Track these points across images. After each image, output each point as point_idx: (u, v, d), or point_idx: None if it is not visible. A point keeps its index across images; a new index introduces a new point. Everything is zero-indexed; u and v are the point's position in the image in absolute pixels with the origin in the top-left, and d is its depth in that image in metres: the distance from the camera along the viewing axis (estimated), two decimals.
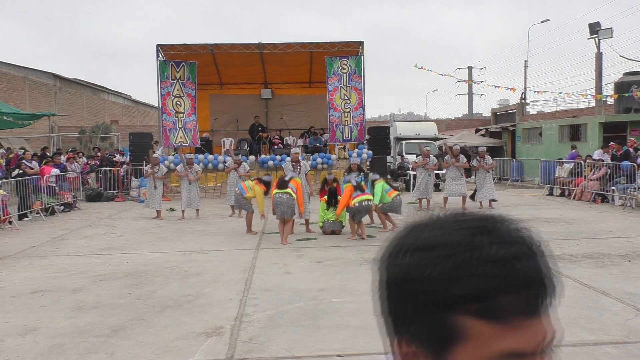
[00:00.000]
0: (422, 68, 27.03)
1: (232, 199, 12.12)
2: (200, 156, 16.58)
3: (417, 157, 17.66)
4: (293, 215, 8.93)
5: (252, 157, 17.10)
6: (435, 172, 15.86)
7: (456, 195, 12.80)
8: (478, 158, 13.00)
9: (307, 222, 9.89)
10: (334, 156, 17.15)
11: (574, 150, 20.06)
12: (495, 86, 40.96)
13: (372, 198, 9.11)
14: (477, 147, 14.66)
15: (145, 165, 12.56)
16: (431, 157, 12.84)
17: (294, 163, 10.32)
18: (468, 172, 17.12)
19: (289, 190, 8.77)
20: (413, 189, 12.95)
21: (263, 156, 17.37)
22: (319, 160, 16.81)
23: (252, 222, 9.81)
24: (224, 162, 16.43)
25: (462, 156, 12.95)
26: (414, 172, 18.10)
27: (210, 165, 16.70)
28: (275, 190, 8.90)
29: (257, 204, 9.57)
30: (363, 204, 8.84)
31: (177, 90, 16.80)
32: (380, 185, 9.58)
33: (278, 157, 16.94)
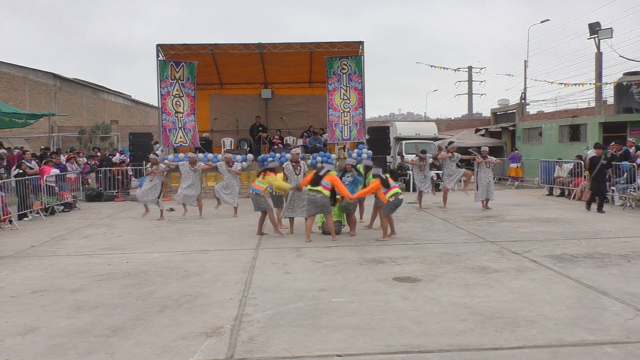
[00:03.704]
0: (424, 64, 27.06)
1: (232, 198, 12.10)
2: (200, 155, 16.59)
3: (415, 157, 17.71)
4: (324, 212, 8.96)
5: (250, 156, 17.18)
6: (436, 171, 15.87)
7: (451, 186, 12.86)
8: (481, 156, 13.00)
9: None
10: (333, 155, 17.19)
11: (515, 152, 20.17)
12: (498, 74, 41.15)
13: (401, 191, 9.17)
14: (479, 147, 14.70)
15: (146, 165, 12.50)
16: (427, 157, 12.83)
17: (294, 163, 10.24)
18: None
19: (320, 187, 8.75)
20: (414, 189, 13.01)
21: (263, 155, 17.41)
22: (319, 159, 16.84)
23: (263, 223, 9.71)
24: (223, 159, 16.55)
25: (457, 154, 13.04)
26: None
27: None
28: (309, 187, 8.84)
29: (279, 186, 9.38)
30: (399, 197, 8.88)
31: (177, 90, 16.81)
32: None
33: (278, 154, 17.00)
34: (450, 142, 13.77)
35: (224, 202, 12.03)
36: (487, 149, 13.40)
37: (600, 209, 11.93)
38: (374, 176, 9.13)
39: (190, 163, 12.19)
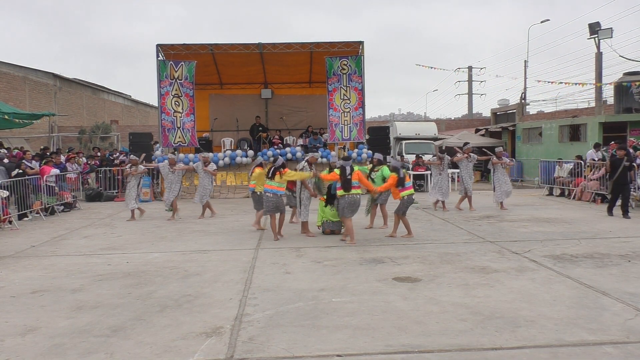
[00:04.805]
0: (424, 66, 27.12)
1: (200, 198, 12.10)
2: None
3: (419, 157, 17.68)
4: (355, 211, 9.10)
5: (251, 152, 17.24)
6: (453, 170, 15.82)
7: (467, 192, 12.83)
8: (496, 157, 12.93)
9: (304, 224, 9.80)
10: (333, 152, 17.20)
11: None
12: (497, 75, 41.24)
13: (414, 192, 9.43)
14: (494, 147, 14.68)
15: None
16: (445, 157, 12.78)
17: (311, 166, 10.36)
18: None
19: (355, 190, 8.75)
20: (431, 190, 13.01)
21: (264, 150, 17.44)
22: (319, 153, 16.88)
23: (282, 225, 9.52)
24: (224, 158, 16.61)
25: (474, 155, 13.03)
26: (415, 172, 18.15)
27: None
28: (341, 192, 8.73)
29: (302, 177, 9.21)
30: (412, 196, 9.23)
31: (176, 90, 16.79)
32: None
33: (277, 150, 17.07)
34: (466, 143, 13.71)
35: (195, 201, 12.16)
36: (502, 148, 13.37)
37: (625, 214, 11.03)
38: (392, 169, 9.31)
39: (170, 164, 12.08)
